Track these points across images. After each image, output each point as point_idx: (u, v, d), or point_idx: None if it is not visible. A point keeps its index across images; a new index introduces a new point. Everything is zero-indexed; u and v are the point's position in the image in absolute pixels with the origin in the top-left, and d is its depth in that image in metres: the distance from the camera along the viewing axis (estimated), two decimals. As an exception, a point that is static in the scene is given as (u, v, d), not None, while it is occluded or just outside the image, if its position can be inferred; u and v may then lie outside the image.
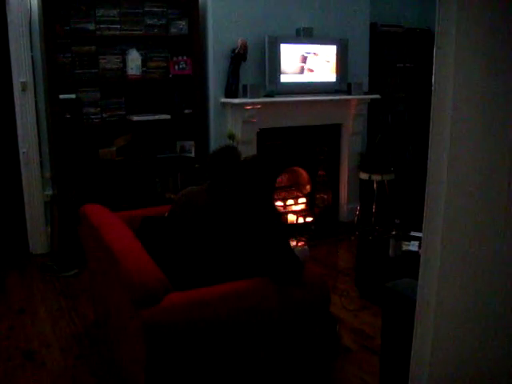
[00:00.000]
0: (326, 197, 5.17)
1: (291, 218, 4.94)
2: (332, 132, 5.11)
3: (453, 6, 0.88)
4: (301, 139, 4.95)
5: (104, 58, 4.16)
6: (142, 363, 1.96)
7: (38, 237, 4.34)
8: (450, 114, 0.90)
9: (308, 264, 2.38)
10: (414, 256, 3.29)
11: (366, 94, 5.03)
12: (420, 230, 3.75)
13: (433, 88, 0.95)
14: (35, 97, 4.15)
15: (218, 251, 2.44)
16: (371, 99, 5.06)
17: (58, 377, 2.62)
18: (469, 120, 0.90)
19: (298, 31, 4.64)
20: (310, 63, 4.65)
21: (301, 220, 4.92)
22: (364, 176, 4.83)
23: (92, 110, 4.18)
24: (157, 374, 1.96)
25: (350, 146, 5.14)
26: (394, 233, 3.26)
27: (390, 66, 5.52)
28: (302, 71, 4.63)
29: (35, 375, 2.63)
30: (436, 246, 0.94)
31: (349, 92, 4.88)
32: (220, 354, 2.07)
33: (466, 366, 0.95)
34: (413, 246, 3.38)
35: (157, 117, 4.34)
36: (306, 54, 4.62)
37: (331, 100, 4.86)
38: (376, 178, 4.74)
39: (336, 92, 4.86)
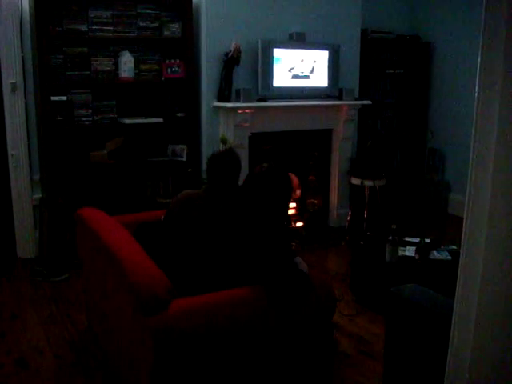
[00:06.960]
0: (316, 202, 5.16)
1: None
2: (323, 137, 5.12)
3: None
4: (292, 144, 4.95)
5: (96, 60, 4.10)
6: (148, 370, 1.93)
7: (26, 241, 4.24)
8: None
9: (314, 271, 2.37)
10: (410, 261, 3.31)
11: (356, 99, 5.05)
12: (414, 236, 3.76)
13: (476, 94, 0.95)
14: (25, 98, 4.08)
15: (215, 257, 2.41)
16: (361, 105, 5.08)
17: (53, 385, 2.56)
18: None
19: (290, 36, 4.65)
20: (302, 68, 4.66)
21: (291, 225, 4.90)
22: (356, 181, 4.84)
23: (83, 112, 4.11)
24: (162, 380, 1.93)
25: (341, 151, 5.16)
26: (390, 238, 3.27)
27: (380, 72, 5.56)
28: (294, 76, 4.63)
29: (30, 383, 2.56)
30: (479, 250, 0.93)
31: (340, 97, 4.90)
32: (223, 360, 2.05)
33: (507, 372, 0.94)
34: (408, 252, 3.39)
35: (149, 120, 4.29)
36: (298, 59, 4.62)
37: (323, 105, 4.87)
38: (368, 183, 4.76)
39: (327, 97, 4.87)
